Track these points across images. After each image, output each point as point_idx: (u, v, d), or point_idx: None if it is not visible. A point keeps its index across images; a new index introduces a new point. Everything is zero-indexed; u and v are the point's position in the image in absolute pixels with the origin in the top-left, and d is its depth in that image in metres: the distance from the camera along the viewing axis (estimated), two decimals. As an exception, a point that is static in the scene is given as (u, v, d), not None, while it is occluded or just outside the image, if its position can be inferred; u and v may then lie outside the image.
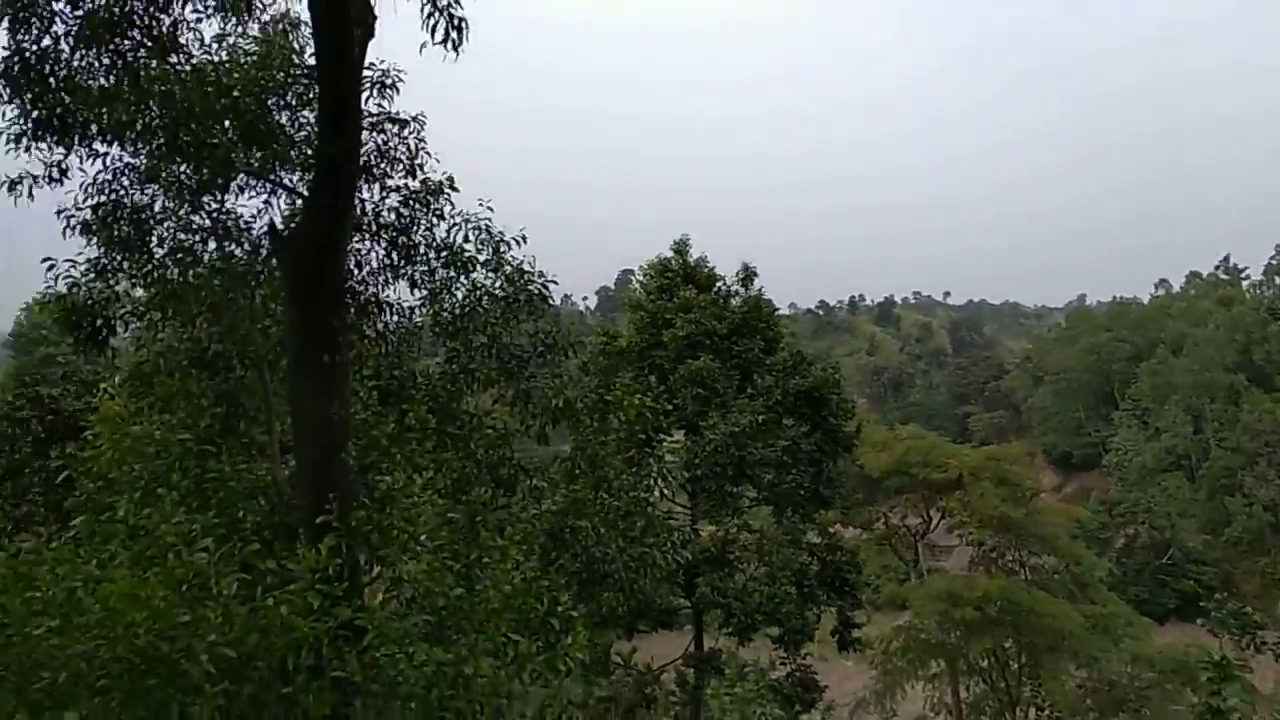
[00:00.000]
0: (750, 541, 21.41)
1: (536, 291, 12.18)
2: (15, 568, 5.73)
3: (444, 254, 11.60)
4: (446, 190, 11.67)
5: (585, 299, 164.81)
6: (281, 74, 10.18)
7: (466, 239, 11.76)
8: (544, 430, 12.23)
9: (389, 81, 11.01)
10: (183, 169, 9.86)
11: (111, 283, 10.21)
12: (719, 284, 25.00)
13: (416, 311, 11.95)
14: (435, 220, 11.75)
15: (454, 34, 7.19)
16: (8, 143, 9.29)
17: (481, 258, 11.98)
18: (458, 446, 10.60)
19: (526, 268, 12.15)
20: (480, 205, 11.88)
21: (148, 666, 5.84)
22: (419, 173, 11.71)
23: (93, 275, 10.17)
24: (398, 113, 11.38)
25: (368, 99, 10.85)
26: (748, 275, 25.10)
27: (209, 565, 6.27)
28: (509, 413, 12.27)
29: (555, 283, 12.54)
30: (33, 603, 5.71)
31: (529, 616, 7.32)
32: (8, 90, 8.82)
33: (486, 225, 11.89)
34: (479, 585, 7.49)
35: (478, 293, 12.02)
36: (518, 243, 12.13)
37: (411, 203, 11.56)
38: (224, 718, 5.66)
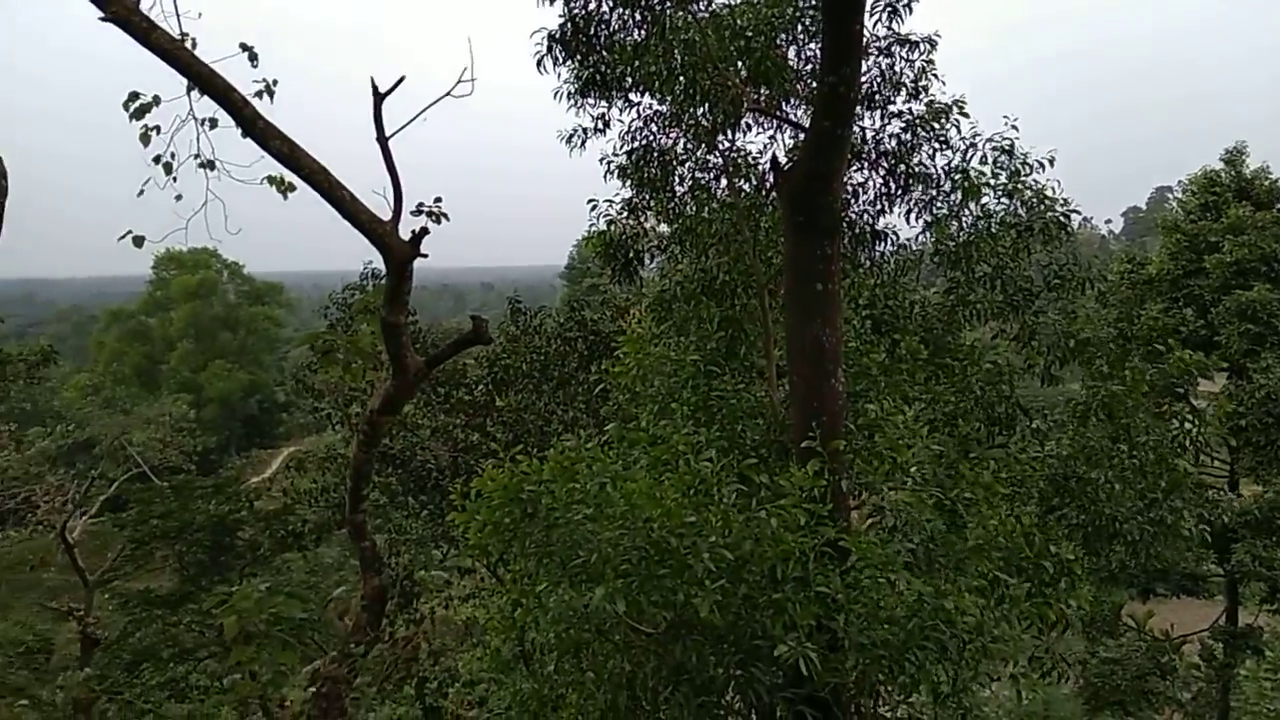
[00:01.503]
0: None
1: (1054, 219, 11.18)
2: (562, 463, 6.81)
3: (950, 179, 11.14)
4: (954, 114, 11.15)
5: (1108, 222, 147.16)
6: (791, 9, 10.47)
7: (984, 160, 11.18)
8: (1050, 369, 11.30)
9: (901, 3, 10.73)
10: (701, 111, 10.69)
11: (641, 219, 11.55)
12: (1285, 199, 20.67)
13: (914, 241, 11.70)
14: (938, 146, 11.32)
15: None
16: (565, 100, 10.92)
17: (994, 182, 11.31)
18: (951, 379, 10.22)
19: (1048, 194, 11.20)
20: (1006, 123, 11.17)
21: (659, 557, 6.60)
22: (923, 95, 11.33)
23: (626, 213, 11.60)
24: (908, 35, 11.10)
25: (875, 23, 10.74)
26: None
27: (712, 475, 6.89)
28: (1011, 348, 11.54)
29: (1078, 212, 11.40)
30: (573, 493, 6.75)
31: (1016, 558, 6.90)
32: (562, 54, 10.30)
33: (1008, 146, 11.16)
34: (962, 521, 7.24)
35: (985, 220, 11.39)
36: (1041, 165, 11.22)
37: (914, 128, 11.25)
38: (721, 611, 6.20)
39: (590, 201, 11.33)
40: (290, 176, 5.91)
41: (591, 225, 11.79)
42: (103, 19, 5.10)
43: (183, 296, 64.84)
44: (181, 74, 4.91)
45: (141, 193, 8.81)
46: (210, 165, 8.58)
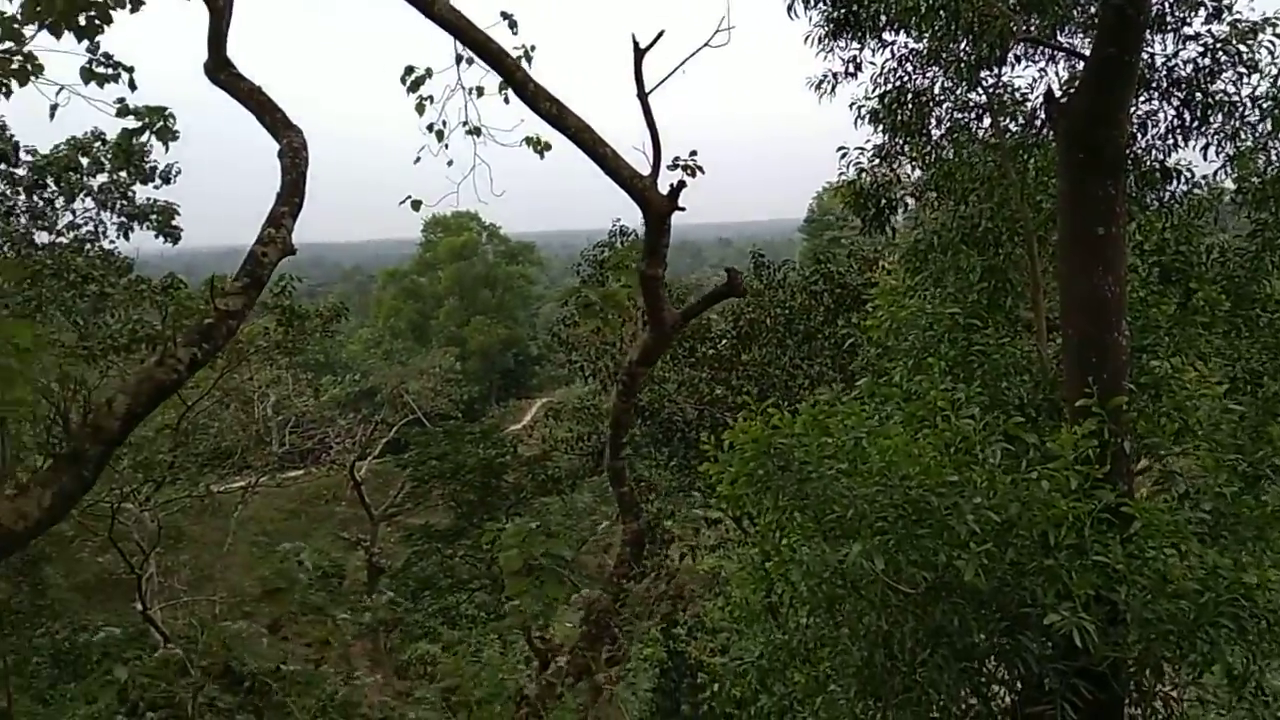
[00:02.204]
0: None
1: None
2: (815, 416, 6.73)
3: (1259, 108, 9.81)
4: (1265, 34, 9.77)
5: None
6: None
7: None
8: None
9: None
10: (962, 46, 10.04)
11: (893, 166, 11.07)
12: None
13: (1212, 178, 10.42)
14: (1244, 70, 9.97)
15: None
16: (814, 45, 10.61)
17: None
18: (1256, 334, 9.08)
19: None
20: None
21: (918, 516, 6.39)
22: (1226, 15, 10.01)
23: (877, 160, 11.16)
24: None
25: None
26: None
27: (974, 433, 6.56)
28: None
29: None
30: (826, 447, 6.66)
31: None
32: (813, -4, 9.99)
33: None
34: (1264, 489, 6.46)
35: (1302, 154, 9.96)
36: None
37: (1214, 52, 9.97)
38: (985, 575, 5.92)
39: (840, 149, 11.00)
40: (552, 135, 6.17)
41: (841, 175, 11.46)
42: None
43: (448, 257, 70.12)
44: (461, 42, 5.24)
45: (418, 159, 9.56)
46: (477, 131, 9.15)
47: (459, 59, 9.08)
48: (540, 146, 9.15)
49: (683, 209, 5.60)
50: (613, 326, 7.90)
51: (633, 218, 16.66)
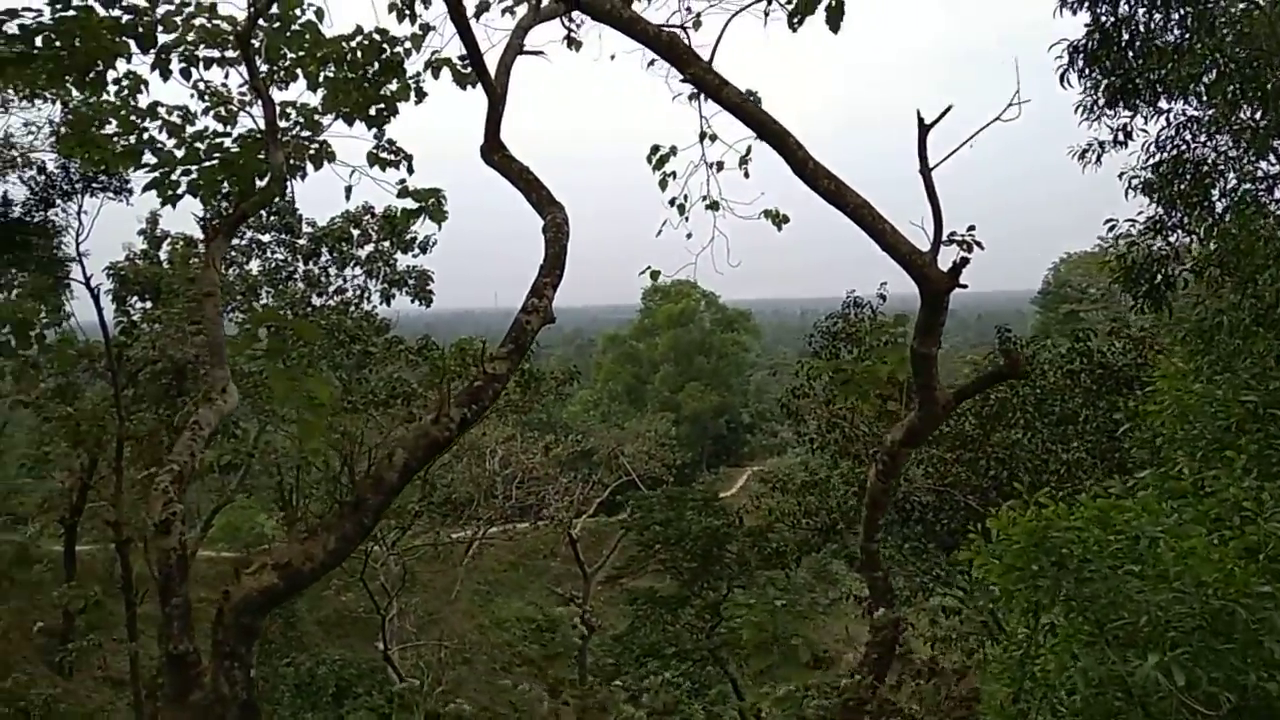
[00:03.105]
0: None
1: None
2: (1098, 510, 6.21)
3: None
4: None
5: None
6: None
7: None
8: None
9: None
10: (1251, 114, 9.25)
11: (1170, 239, 10.26)
12: None
13: None
14: None
15: None
16: (1080, 113, 10.10)
17: None
18: None
19: None
20: None
21: (1220, 629, 5.72)
22: None
23: (1150, 233, 10.38)
24: None
25: None
26: None
27: (1287, 538, 5.83)
28: None
29: None
30: (1109, 545, 6.11)
31: None
32: (1084, 64, 9.54)
33: None
34: None
35: None
36: None
37: None
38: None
39: (1108, 222, 10.33)
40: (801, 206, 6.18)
41: (1101, 246, 10.76)
42: (682, 80, 5.77)
43: (666, 323, 71.78)
44: (745, 123, 5.36)
45: (660, 233, 9.93)
46: (715, 205, 9.41)
47: (703, 136, 9.43)
48: (779, 220, 9.27)
49: (964, 286, 5.40)
50: (871, 403, 7.73)
51: (865, 289, 16.39)
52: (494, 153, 7.85)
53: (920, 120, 5.32)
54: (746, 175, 9.74)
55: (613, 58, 9.25)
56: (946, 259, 5.55)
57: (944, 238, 5.54)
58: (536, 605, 37.80)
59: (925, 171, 5.39)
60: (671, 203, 9.56)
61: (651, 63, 8.70)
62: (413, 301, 25.84)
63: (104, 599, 23.08)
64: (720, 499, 23.88)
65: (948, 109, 5.28)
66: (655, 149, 9.31)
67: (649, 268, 10.17)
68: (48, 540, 29.29)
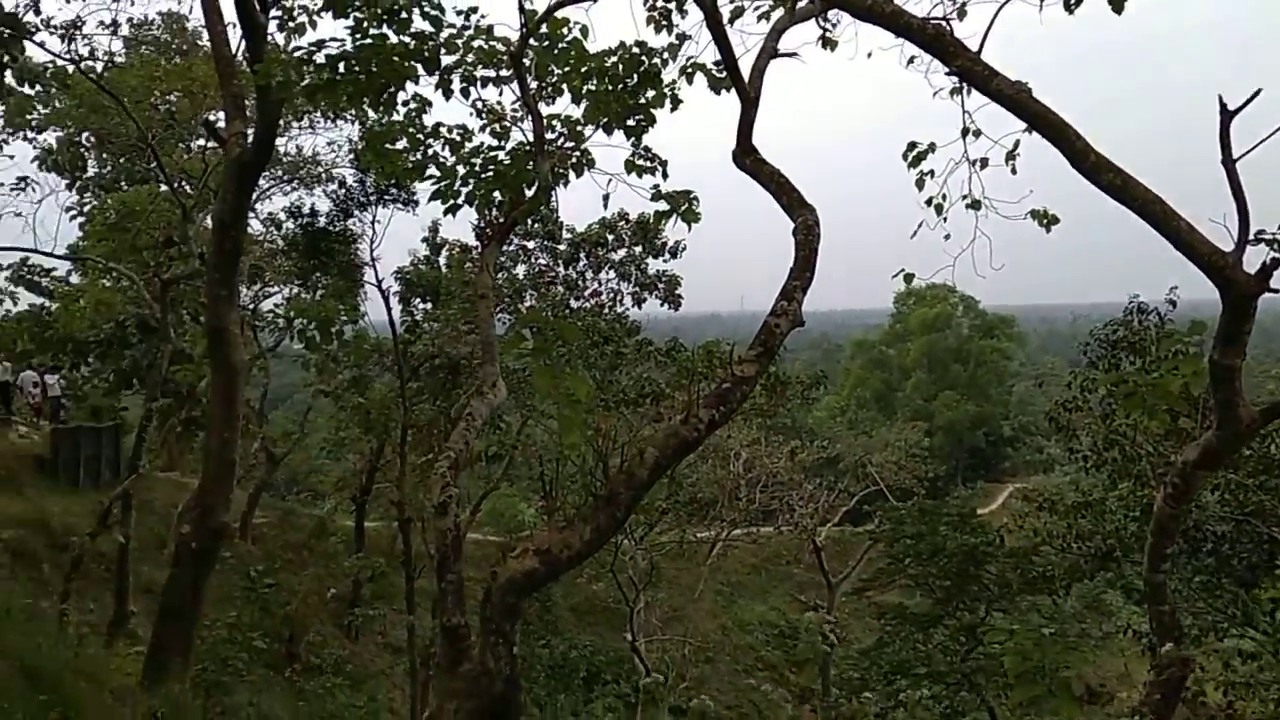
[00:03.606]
0: None
1: None
2: None
3: None
4: None
5: None
6: None
7: None
8: None
9: None
10: None
11: None
12: None
13: None
14: None
15: None
16: None
17: None
18: None
19: None
20: None
21: None
22: None
23: None
24: None
25: None
26: None
27: None
28: None
29: None
30: None
31: None
32: None
33: None
34: None
35: None
36: None
37: None
38: None
39: None
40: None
41: None
42: (948, 73, 5.50)
43: (920, 329, 68.98)
44: (1019, 116, 5.02)
45: (914, 234, 9.53)
46: (976, 204, 8.87)
47: (965, 132, 8.93)
48: (1047, 220, 8.58)
49: (1275, 291, 4.76)
50: (1161, 419, 6.97)
51: (1152, 294, 14.85)
52: (746, 156, 7.91)
53: (1222, 106, 4.77)
54: (1014, 171, 9.17)
55: (870, 55, 9.02)
56: (1253, 261, 4.94)
57: (1250, 235, 4.92)
58: (779, 610, 37.59)
59: (1228, 162, 4.82)
60: (929, 202, 9.20)
61: (911, 59, 8.43)
62: (662, 304, 26.57)
63: (386, 571, 25.59)
64: (978, 515, 22.61)
65: (1256, 93, 4.69)
66: (912, 145, 8.98)
67: (902, 270, 9.81)
68: (341, 515, 32.87)
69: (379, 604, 27.36)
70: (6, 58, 8.64)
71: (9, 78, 10.81)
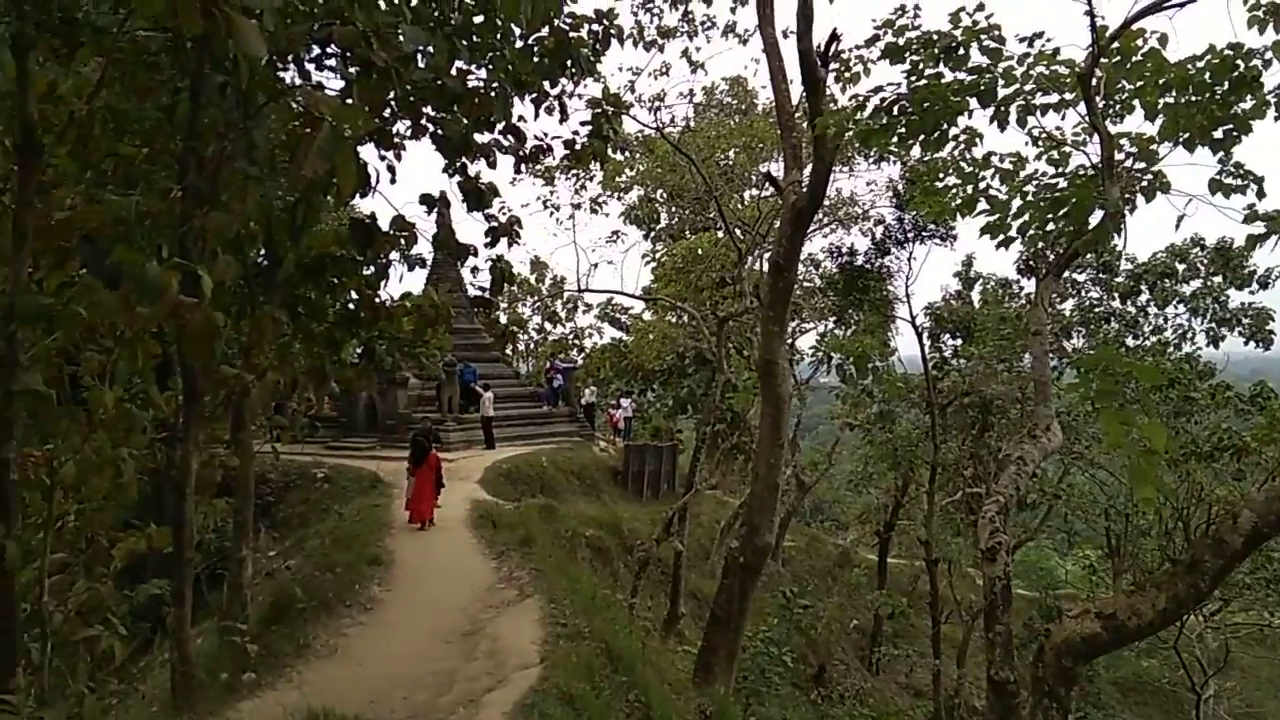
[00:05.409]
0: None
1: None
2: None
3: None
4: None
5: None
6: None
7: None
8: None
9: None
10: None
11: None
12: None
13: None
14: None
15: None
16: None
17: None
18: None
19: None
20: None
21: None
22: None
23: None
24: None
25: None
26: None
27: None
28: None
29: None
30: None
31: None
32: None
33: None
34: None
35: None
36: None
37: None
38: None
39: None
40: None
41: None
42: None
43: None
44: None
45: None
46: None
47: None
48: None
49: None
50: None
51: None
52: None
53: None
54: None
55: None
56: None
57: None
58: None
59: None
60: None
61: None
62: (1246, 343, 22.58)
63: (907, 610, 25.26)
64: None
65: None
66: None
67: None
68: (863, 548, 33.24)
69: (900, 642, 27.11)
70: (609, 130, 10.33)
71: (609, 149, 12.97)
